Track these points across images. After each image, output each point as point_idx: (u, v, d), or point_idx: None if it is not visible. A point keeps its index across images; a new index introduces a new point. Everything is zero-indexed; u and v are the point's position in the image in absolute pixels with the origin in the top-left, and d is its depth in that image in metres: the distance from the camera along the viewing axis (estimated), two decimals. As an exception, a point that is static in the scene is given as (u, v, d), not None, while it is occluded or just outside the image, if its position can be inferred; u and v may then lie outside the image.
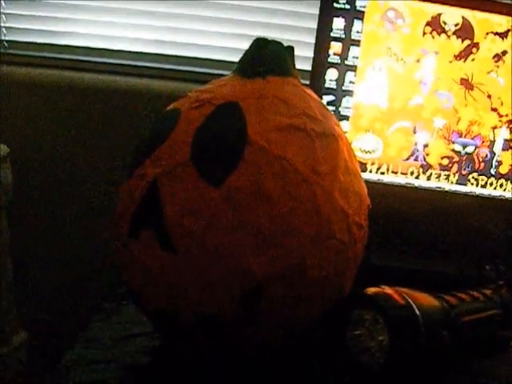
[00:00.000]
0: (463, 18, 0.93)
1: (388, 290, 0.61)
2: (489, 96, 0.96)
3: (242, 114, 0.56)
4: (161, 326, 0.61)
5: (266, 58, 0.62)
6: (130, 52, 1.29)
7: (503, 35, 0.94)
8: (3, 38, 1.28)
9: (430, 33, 0.94)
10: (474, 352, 0.69)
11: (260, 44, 0.63)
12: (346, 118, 0.96)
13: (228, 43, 1.28)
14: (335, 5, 0.92)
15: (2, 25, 1.27)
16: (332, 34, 0.93)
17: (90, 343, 0.66)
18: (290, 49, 0.64)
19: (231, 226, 0.52)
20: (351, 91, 0.96)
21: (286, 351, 0.62)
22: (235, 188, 0.53)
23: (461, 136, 0.98)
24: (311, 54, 0.95)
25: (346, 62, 0.94)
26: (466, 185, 1.00)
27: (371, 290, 0.61)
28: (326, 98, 0.95)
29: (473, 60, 0.95)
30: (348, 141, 0.63)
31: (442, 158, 0.99)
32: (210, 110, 0.57)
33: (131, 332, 0.68)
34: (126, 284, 0.61)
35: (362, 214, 0.61)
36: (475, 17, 0.93)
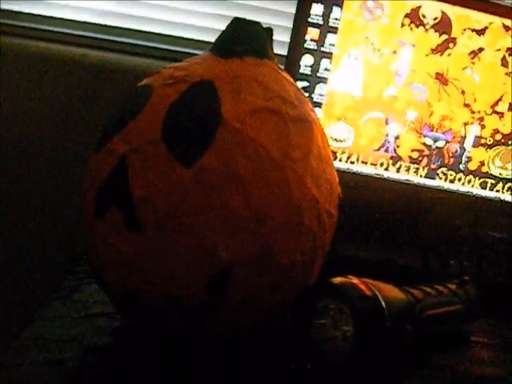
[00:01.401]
0: (443, 12, 0.93)
1: (354, 280, 0.61)
2: (462, 92, 0.96)
3: (217, 94, 0.55)
4: (124, 308, 0.60)
5: (243, 38, 0.60)
6: (102, 25, 1.26)
7: (480, 32, 0.94)
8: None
9: (409, 25, 0.93)
10: (436, 346, 0.70)
11: (238, 24, 0.61)
12: (319, 105, 0.96)
13: (205, 23, 1.26)
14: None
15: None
16: (310, 20, 0.92)
17: (49, 321, 0.64)
18: (269, 30, 0.62)
19: (200, 208, 0.51)
20: (326, 78, 0.95)
21: (252, 338, 0.61)
22: (206, 169, 0.51)
23: (432, 130, 0.98)
24: (288, 39, 0.93)
25: (322, 49, 0.94)
26: (434, 179, 1.00)
27: (337, 279, 0.61)
28: (300, 84, 0.94)
29: (449, 55, 0.95)
30: (322, 127, 0.63)
31: (413, 150, 0.99)
32: (183, 87, 0.56)
33: (92, 311, 0.66)
34: (89, 263, 0.59)
35: (332, 202, 0.61)
36: (454, 12, 0.93)
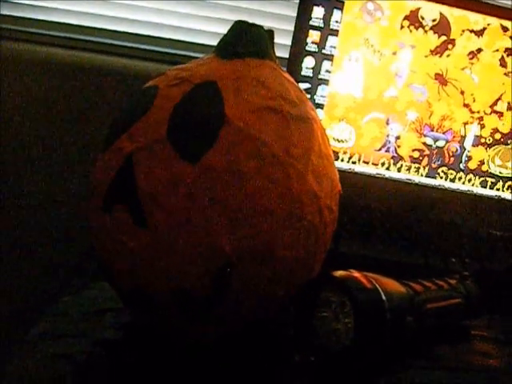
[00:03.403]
0: (441, 14, 0.95)
1: (356, 273, 0.62)
2: (462, 92, 0.98)
3: (220, 94, 0.56)
4: (132, 302, 0.61)
5: (245, 40, 0.62)
6: (110, 31, 1.27)
7: (479, 33, 0.96)
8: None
9: (408, 27, 0.95)
10: (436, 338, 0.71)
11: (240, 26, 0.63)
12: (321, 106, 0.97)
13: (208, 27, 1.28)
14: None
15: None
16: (311, 23, 0.94)
17: (58, 317, 0.66)
18: (270, 32, 0.64)
19: (205, 204, 0.53)
20: (327, 80, 0.96)
21: (255, 331, 0.63)
22: (210, 166, 0.53)
23: (432, 130, 0.99)
24: (289, 42, 0.95)
25: (323, 51, 0.95)
26: (435, 178, 1.01)
27: (339, 272, 0.62)
28: (302, 86, 0.96)
29: (448, 56, 0.96)
30: (322, 125, 0.64)
31: (413, 150, 1.00)
32: (188, 87, 0.57)
33: (101, 307, 0.68)
34: (97, 258, 0.61)
35: (333, 198, 0.62)
36: (453, 14, 0.95)
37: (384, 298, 0.60)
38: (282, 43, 1.13)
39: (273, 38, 0.65)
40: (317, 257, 0.61)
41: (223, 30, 1.12)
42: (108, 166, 0.57)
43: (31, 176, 1.27)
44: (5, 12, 1.24)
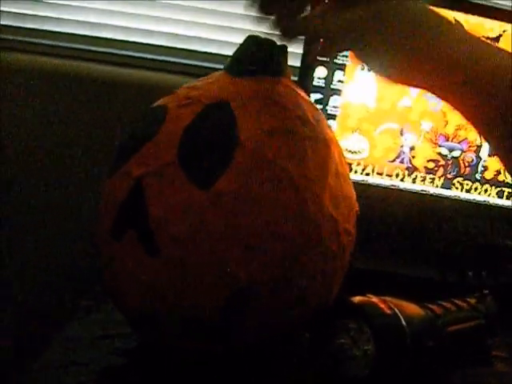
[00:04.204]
0: (456, 21, 0.92)
1: (374, 298, 0.60)
2: (477, 101, 0.96)
3: (233, 115, 0.54)
4: (141, 328, 0.59)
5: (257, 57, 0.60)
6: (123, 41, 1.25)
7: (495, 40, 0.93)
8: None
9: (422, 35, 0.93)
10: (458, 362, 0.69)
11: (252, 42, 0.61)
12: (333, 117, 0.95)
13: (220, 36, 1.25)
14: (327, 2, 0.91)
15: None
16: (323, 32, 0.92)
17: (66, 343, 0.64)
18: (284, 47, 0.62)
19: (218, 231, 0.51)
20: (339, 90, 0.94)
21: (271, 357, 0.61)
22: (224, 191, 0.51)
23: (448, 140, 0.97)
24: (300, 50, 0.93)
25: (335, 61, 0.93)
26: (450, 189, 0.99)
27: (357, 298, 0.60)
28: (314, 96, 0.94)
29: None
30: (339, 144, 0.62)
31: (428, 161, 0.98)
32: (199, 108, 0.55)
33: (109, 332, 0.66)
34: (105, 285, 0.59)
35: (350, 221, 0.60)
36: (468, 21, 0.93)
37: (404, 323, 0.59)
38: (294, 51, 1.11)
39: (286, 54, 0.62)
40: (335, 281, 0.59)
41: (234, 39, 1.11)
42: (117, 191, 0.56)
43: (31, 189, 1.26)
44: (9, 23, 1.22)
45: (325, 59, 0.92)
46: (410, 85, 0.56)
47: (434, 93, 0.54)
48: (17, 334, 1.25)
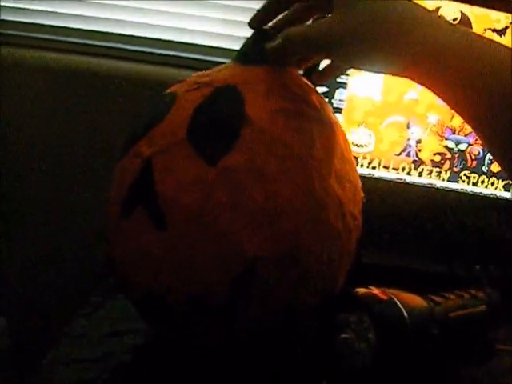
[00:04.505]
0: (462, 13, 0.92)
1: (373, 289, 0.61)
2: (484, 93, 0.95)
3: (241, 95, 0.55)
4: (148, 311, 0.59)
5: (265, 50, 0.60)
6: (129, 36, 1.25)
7: (501, 32, 0.93)
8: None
9: (428, 27, 0.92)
10: (462, 353, 0.68)
11: (260, 33, 0.61)
12: (339, 110, 0.95)
13: (228, 31, 1.25)
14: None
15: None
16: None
17: (76, 340, 0.64)
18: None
19: (225, 205, 0.51)
20: (345, 83, 0.94)
21: (278, 339, 0.61)
22: (231, 167, 0.52)
23: (454, 133, 0.97)
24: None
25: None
26: (457, 182, 0.99)
27: (358, 290, 0.61)
28: (320, 90, 0.93)
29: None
30: (343, 130, 0.62)
31: (435, 154, 0.98)
32: (208, 91, 0.56)
33: (118, 328, 0.66)
34: (113, 265, 0.59)
35: (356, 205, 0.60)
36: (473, 12, 0.92)
37: (401, 307, 0.59)
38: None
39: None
40: (341, 266, 0.59)
41: (239, 32, 1.10)
42: (126, 172, 0.57)
43: (35, 185, 1.26)
44: (10, 18, 1.22)
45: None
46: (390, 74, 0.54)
47: (417, 81, 0.52)
48: (25, 330, 1.26)
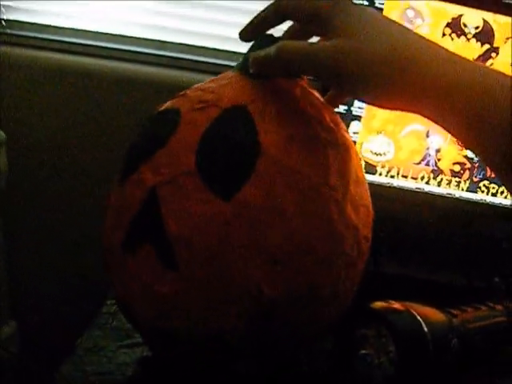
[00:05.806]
0: (484, 20, 0.90)
1: (382, 302, 0.61)
2: (506, 103, 0.93)
3: (252, 120, 0.52)
4: (157, 344, 0.58)
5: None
6: (134, 37, 1.25)
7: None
8: (1, 16, 1.23)
9: (450, 34, 0.91)
10: (483, 364, 0.67)
11: (266, 41, 0.56)
12: (358, 118, 0.94)
13: (222, 32, 1.23)
14: (354, 0, 0.89)
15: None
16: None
17: (90, 352, 0.63)
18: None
19: (242, 244, 0.49)
20: (365, 91, 0.93)
21: (295, 371, 0.60)
22: (247, 202, 0.49)
23: (474, 142, 0.95)
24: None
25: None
26: (476, 192, 0.97)
27: (369, 305, 0.61)
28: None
29: (491, 65, 0.92)
30: (356, 148, 0.60)
31: (454, 163, 0.96)
32: (216, 113, 0.52)
33: (133, 340, 0.65)
34: (117, 299, 0.58)
35: (369, 227, 0.59)
36: (496, 20, 0.90)
37: (419, 318, 0.59)
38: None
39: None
40: (353, 288, 0.58)
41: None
42: (129, 201, 0.53)
43: (43, 188, 1.26)
44: (13, 17, 1.23)
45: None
46: (397, 109, 0.52)
47: (425, 117, 0.51)
48: (38, 342, 1.25)
